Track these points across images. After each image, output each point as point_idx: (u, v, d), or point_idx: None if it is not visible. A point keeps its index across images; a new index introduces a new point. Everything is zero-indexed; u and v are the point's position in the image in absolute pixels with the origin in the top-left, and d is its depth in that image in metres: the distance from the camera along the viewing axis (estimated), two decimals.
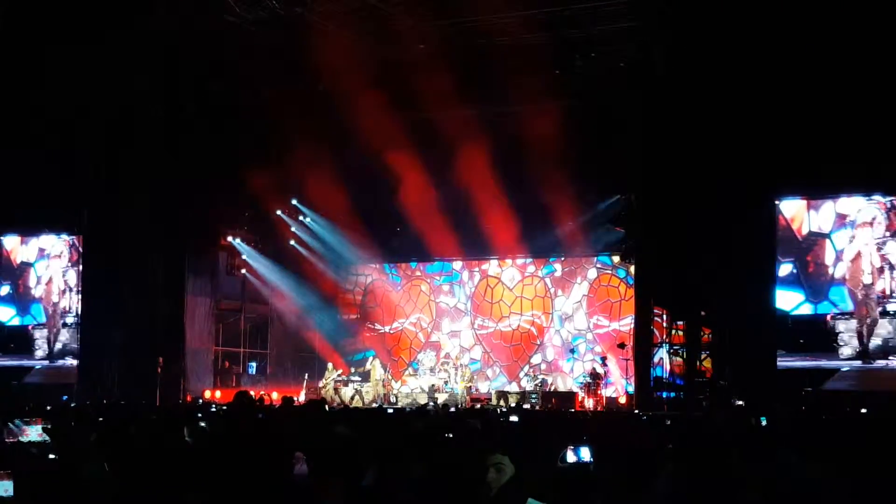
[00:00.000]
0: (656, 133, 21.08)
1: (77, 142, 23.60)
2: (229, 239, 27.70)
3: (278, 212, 28.17)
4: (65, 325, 26.73)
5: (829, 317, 21.35)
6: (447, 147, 24.91)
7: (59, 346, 26.84)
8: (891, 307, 20.86)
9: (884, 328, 20.83)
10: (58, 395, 22.56)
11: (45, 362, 26.87)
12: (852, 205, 21.40)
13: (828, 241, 21.52)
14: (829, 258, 21.49)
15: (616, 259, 26.21)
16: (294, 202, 28.42)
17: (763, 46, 19.32)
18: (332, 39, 21.96)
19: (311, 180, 26.91)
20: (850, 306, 21.15)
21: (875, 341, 20.82)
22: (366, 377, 26.69)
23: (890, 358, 20.69)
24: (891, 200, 21.07)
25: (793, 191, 21.73)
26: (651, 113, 21.20)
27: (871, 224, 20.99)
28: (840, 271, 21.34)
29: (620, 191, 23.76)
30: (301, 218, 28.50)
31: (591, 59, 22.37)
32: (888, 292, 20.90)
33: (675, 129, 20.60)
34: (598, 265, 27.47)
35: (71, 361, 26.25)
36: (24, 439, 5.32)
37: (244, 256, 27.92)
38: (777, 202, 21.70)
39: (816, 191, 21.70)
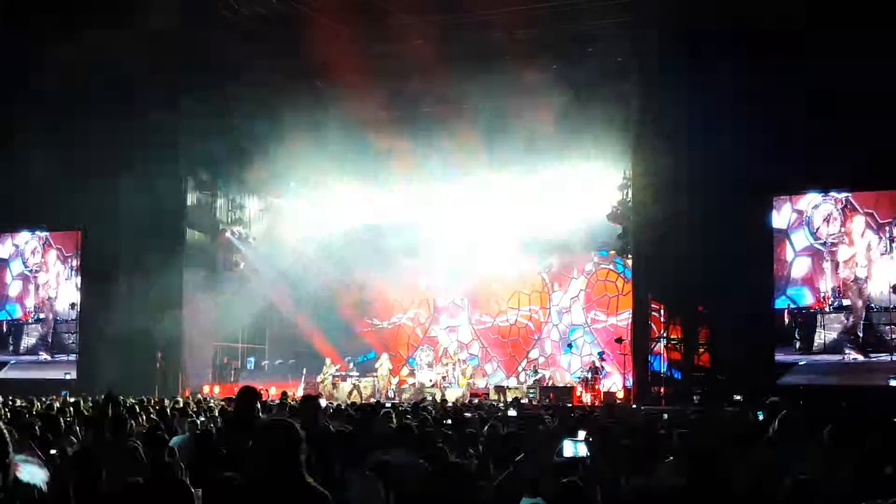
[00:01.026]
0: (653, 128, 21.09)
1: (71, 137, 23.50)
2: (227, 234, 27.70)
3: (277, 206, 28.15)
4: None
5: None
6: (444, 140, 24.96)
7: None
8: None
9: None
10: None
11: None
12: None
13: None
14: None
15: (613, 254, 26.17)
16: (292, 197, 28.40)
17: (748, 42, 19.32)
18: (329, 35, 21.96)
19: (308, 174, 26.92)
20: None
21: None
22: (371, 370, 26.55)
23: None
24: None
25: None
26: (647, 107, 21.22)
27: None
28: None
29: (617, 185, 23.78)
30: (299, 212, 28.48)
31: (588, 53, 22.39)
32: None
33: (671, 123, 20.61)
34: (596, 260, 27.50)
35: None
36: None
37: (243, 251, 27.91)
38: (773, 199, 21.76)
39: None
